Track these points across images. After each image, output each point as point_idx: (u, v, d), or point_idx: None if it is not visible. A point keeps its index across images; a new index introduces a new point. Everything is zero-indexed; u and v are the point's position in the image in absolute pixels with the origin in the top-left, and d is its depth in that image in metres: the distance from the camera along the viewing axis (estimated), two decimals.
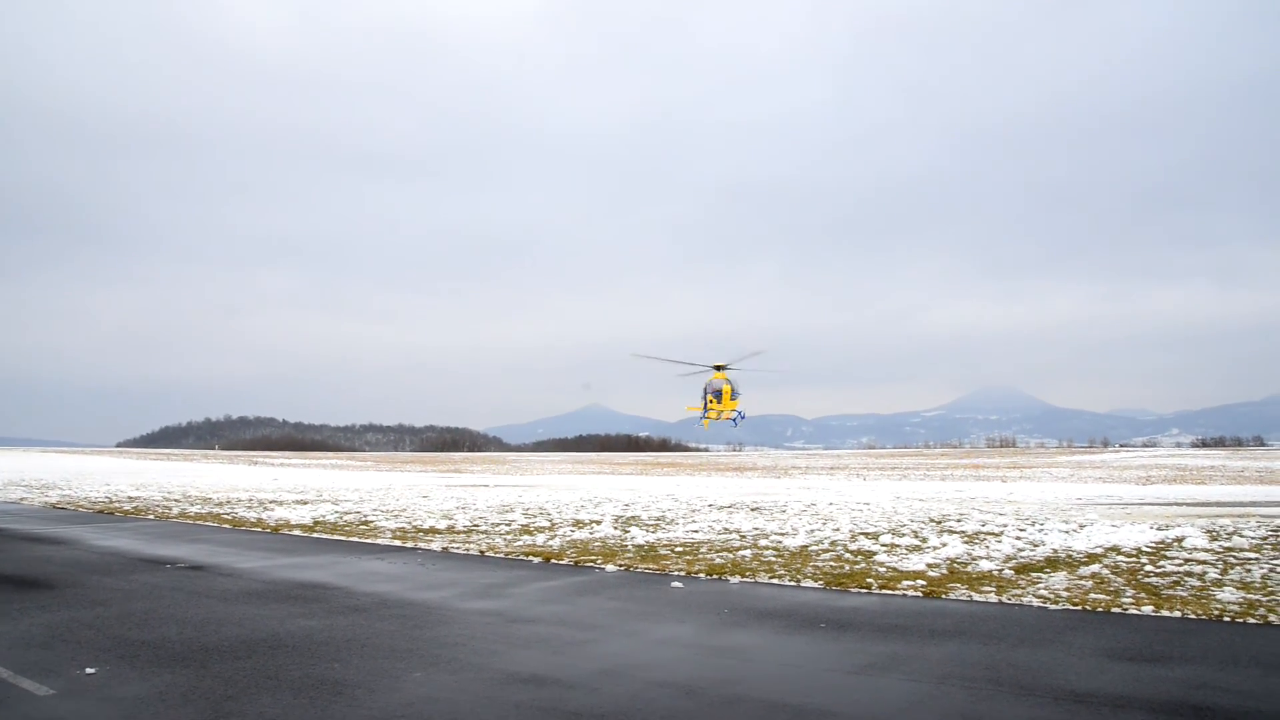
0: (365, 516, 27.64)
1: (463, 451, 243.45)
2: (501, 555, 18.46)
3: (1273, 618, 11.04)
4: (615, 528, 23.11)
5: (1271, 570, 14.56)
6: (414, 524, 24.89)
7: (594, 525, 23.83)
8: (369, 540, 21.43)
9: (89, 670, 8.87)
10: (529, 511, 28.86)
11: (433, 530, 23.27)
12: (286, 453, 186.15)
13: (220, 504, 33.99)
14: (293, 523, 25.73)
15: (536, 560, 17.63)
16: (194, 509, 31.48)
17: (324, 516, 27.61)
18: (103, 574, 15.85)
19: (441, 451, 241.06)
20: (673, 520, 25.44)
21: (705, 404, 43.92)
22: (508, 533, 22.47)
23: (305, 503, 34.13)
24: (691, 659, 9.45)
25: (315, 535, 22.89)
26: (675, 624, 11.33)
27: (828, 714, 7.41)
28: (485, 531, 22.80)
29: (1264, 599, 12.16)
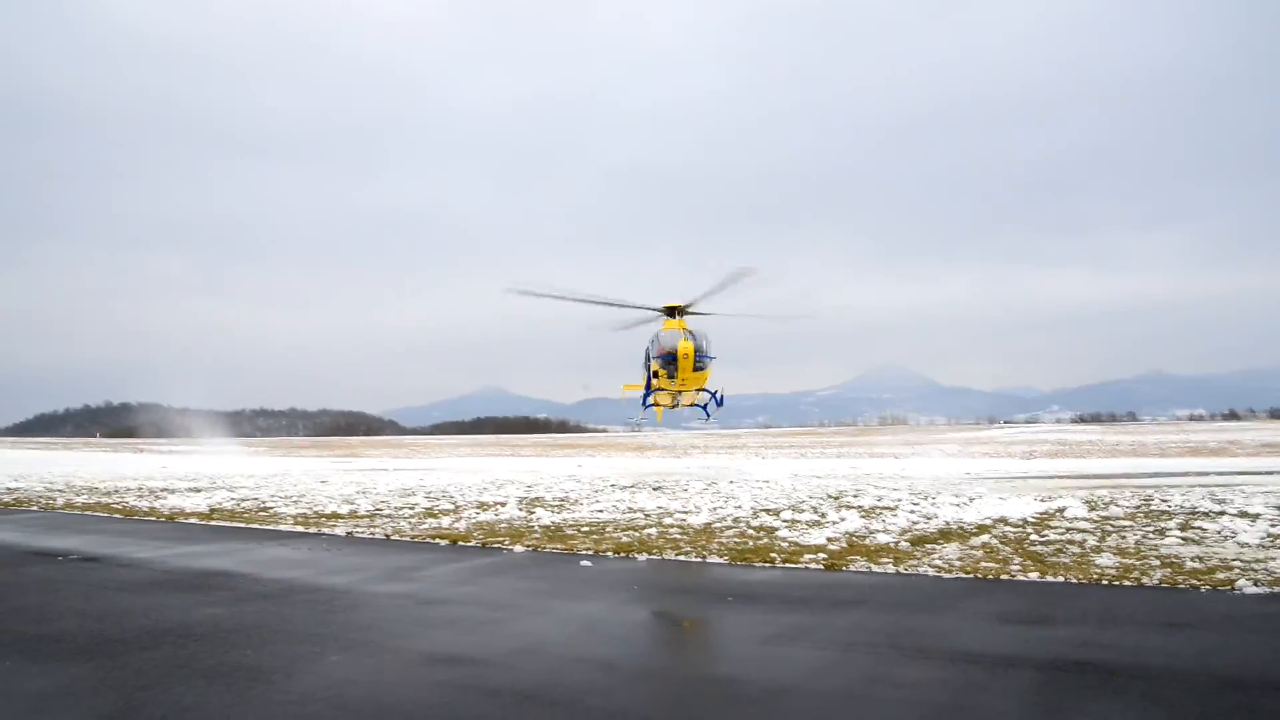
0: (263, 503, 27.03)
1: (359, 436, 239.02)
2: (408, 539, 18.37)
3: (1145, 580, 11.86)
4: (520, 509, 23.18)
5: (1144, 537, 15.55)
6: (315, 509, 24.48)
7: (499, 507, 23.83)
8: (270, 527, 21.02)
9: None
10: (431, 495, 28.65)
11: (335, 515, 22.94)
12: (173, 439, 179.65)
13: (108, 493, 32.73)
14: (188, 511, 25.04)
15: (443, 543, 17.60)
16: (80, 499, 30.26)
17: (220, 504, 26.92)
18: None
19: (336, 436, 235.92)
20: (577, 501, 25.60)
21: (649, 378, 29.13)
22: (412, 516, 22.31)
23: (199, 490, 33.16)
24: (605, 635, 9.67)
25: (213, 523, 22.32)
26: (587, 602, 11.54)
27: (740, 682, 7.72)
28: (389, 515, 22.60)
29: (1137, 563, 13.01)
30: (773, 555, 14.82)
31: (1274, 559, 13.00)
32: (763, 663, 8.38)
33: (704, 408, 31.49)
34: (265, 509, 25.17)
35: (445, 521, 20.92)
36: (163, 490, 33.53)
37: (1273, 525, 16.36)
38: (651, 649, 9.10)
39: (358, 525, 20.52)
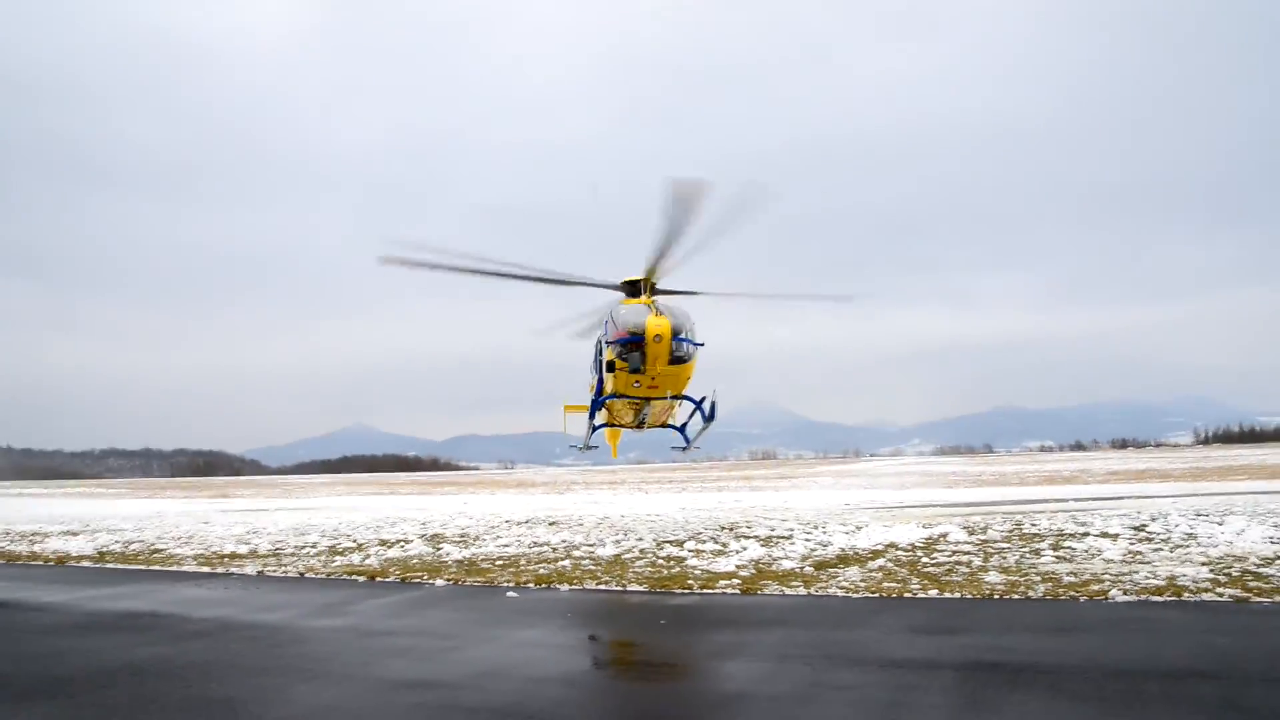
0: (152, 545, 26.35)
1: (220, 476, 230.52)
2: (322, 576, 18.47)
3: (1031, 593, 13.23)
4: (426, 545, 23.38)
5: (1022, 557, 17.04)
6: (212, 550, 24.08)
7: (404, 544, 23.97)
8: (172, 568, 20.71)
9: None
10: (327, 533, 28.42)
11: (235, 555, 22.69)
12: (20, 481, 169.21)
13: None
14: (75, 554, 24.26)
15: (361, 579, 17.79)
16: None
17: (107, 546, 26.12)
18: None
19: (196, 476, 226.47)
20: (478, 536, 25.89)
21: (600, 381, 20.72)
22: (317, 555, 22.27)
23: (75, 533, 31.85)
24: (557, 657, 10.31)
25: (108, 566, 21.79)
26: (528, 629, 12.11)
27: (697, 691, 8.58)
28: (293, 554, 22.49)
29: (1021, 579, 14.39)
30: (689, 582, 15.66)
31: (1137, 572, 14.58)
32: (711, 675, 9.20)
33: (682, 429, 21.98)
34: (158, 551, 24.62)
35: (355, 559, 21.01)
36: (33, 534, 32.13)
37: (1131, 544, 18.12)
38: (605, 667, 9.79)
39: (266, 564, 20.44)
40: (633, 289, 19.75)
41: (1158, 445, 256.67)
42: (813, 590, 14.37)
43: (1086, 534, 20.07)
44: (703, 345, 19.38)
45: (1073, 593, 13.11)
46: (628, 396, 19.93)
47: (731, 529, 25.57)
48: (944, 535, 20.96)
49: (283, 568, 19.75)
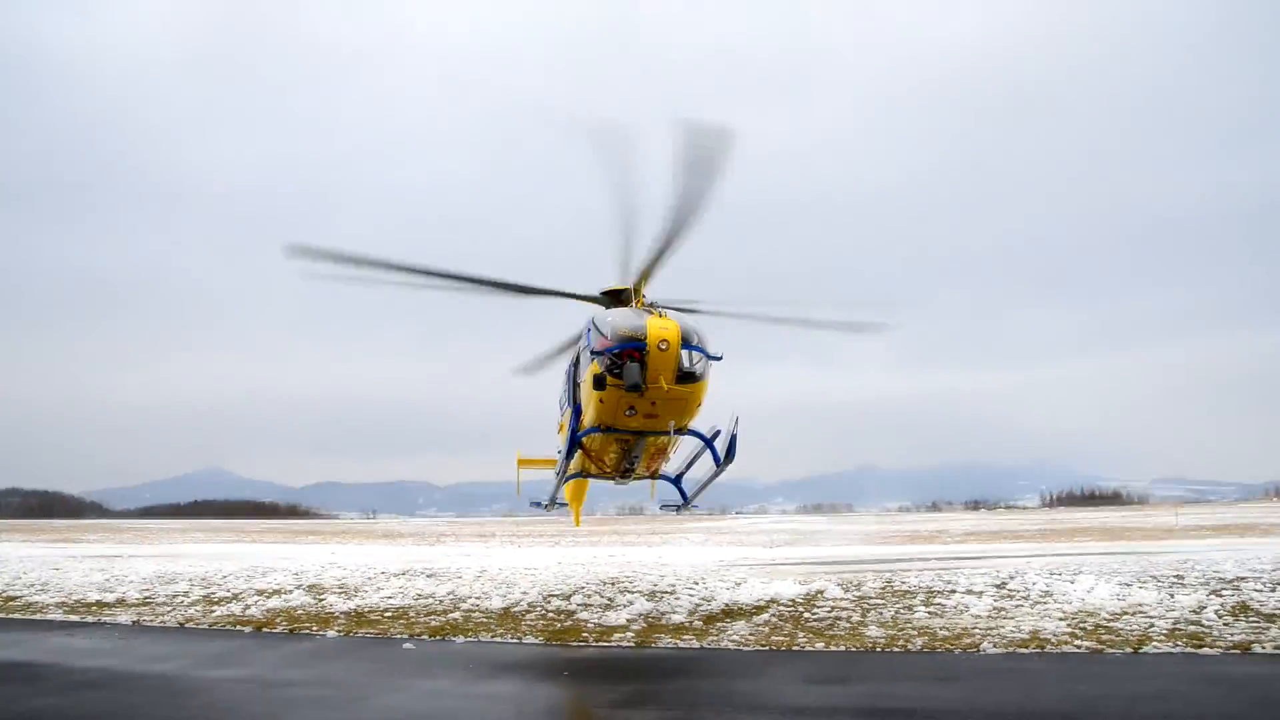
0: (3, 592, 24.99)
1: (58, 518, 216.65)
2: (204, 626, 18.05)
3: (910, 646, 14.16)
4: (307, 595, 22.93)
5: (898, 612, 18.03)
6: (74, 598, 23.01)
7: (283, 594, 23.42)
8: (35, 617, 19.86)
9: None
10: (197, 582, 27.37)
11: (102, 604, 21.79)
12: None
13: None
14: None
15: (247, 629, 17.47)
16: None
17: None
18: None
19: (29, 518, 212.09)
20: (358, 587, 25.48)
21: (575, 414, 16.46)
22: (192, 604, 21.61)
23: None
24: (472, 706, 10.58)
25: None
26: (434, 679, 12.29)
27: None
28: (166, 604, 21.75)
29: (899, 633, 15.32)
30: (584, 635, 16.03)
31: (1004, 626, 15.69)
32: None
33: (678, 481, 18.10)
34: (12, 599, 23.39)
35: (235, 608, 20.50)
36: None
37: (996, 601, 19.35)
38: (521, 715, 10.09)
39: (140, 614, 19.79)
40: (615, 300, 16.07)
41: (1007, 507, 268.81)
42: (705, 643, 14.92)
43: (954, 591, 21.25)
44: (720, 359, 15.22)
45: (948, 645, 14.08)
46: (617, 430, 15.45)
47: (614, 583, 25.89)
48: (821, 591, 21.82)
49: (159, 617, 19.19)
